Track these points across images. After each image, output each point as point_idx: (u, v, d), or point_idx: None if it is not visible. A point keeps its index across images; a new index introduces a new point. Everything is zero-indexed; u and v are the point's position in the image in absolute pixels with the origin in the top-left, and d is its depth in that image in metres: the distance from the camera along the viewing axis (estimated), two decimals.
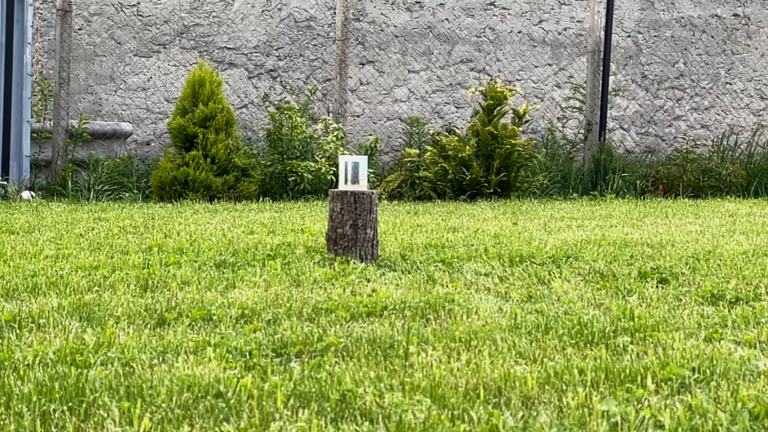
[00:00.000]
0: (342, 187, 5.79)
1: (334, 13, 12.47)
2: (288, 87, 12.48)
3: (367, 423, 2.99)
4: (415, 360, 3.64)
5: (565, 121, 13.14)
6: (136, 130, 12.07)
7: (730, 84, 14.38)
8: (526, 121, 11.73)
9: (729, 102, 14.39)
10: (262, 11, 12.59)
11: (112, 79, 12.09)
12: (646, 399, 3.21)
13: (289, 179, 10.68)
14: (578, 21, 13.71)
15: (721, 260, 5.87)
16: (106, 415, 3.04)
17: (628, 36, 13.96)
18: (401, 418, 3.01)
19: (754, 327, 4.22)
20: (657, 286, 5.11)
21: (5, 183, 10.30)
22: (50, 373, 3.41)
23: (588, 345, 3.89)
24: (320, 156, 10.94)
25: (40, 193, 10.55)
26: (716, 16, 14.31)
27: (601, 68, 12.51)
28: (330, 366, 3.56)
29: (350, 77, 12.55)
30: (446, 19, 13.24)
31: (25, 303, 4.54)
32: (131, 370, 3.51)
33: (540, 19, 13.61)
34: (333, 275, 5.21)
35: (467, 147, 10.90)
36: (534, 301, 4.75)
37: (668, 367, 3.49)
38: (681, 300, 4.79)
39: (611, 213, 9.26)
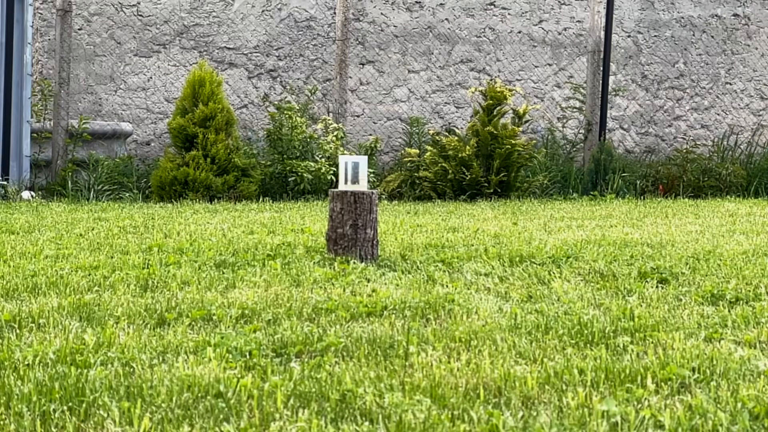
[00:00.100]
0: (342, 187, 5.79)
1: (334, 13, 12.47)
2: (288, 87, 12.48)
3: (367, 423, 2.99)
4: (415, 360, 3.64)
5: (565, 121, 13.14)
6: (136, 130, 12.07)
7: (730, 84, 14.38)
8: (526, 121, 11.73)
9: (729, 102, 14.39)
10: (262, 11, 12.59)
11: (112, 79, 12.09)
12: (646, 399, 3.21)
13: (289, 179, 10.68)
14: (578, 21, 13.71)
15: (721, 260, 5.87)
16: (106, 415, 3.04)
17: (628, 36, 13.96)
18: (401, 418, 3.01)
19: (754, 327, 4.22)
20: (657, 286, 5.11)
21: (5, 183, 10.30)
22: (50, 373, 3.41)
23: (588, 345, 3.89)
24: (320, 156, 10.94)
25: (40, 193, 10.55)
26: (716, 16, 14.31)
27: (601, 68, 12.51)
28: (330, 366, 3.56)
29: (350, 77, 12.56)
30: (446, 19, 13.24)
31: (25, 303, 4.54)
32: (131, 370, 3.51)
33: (540, 19, 13.61)
34: (333, 275, 5.21)
35: (467, 147, 10.90)
36: (534, 301, 4.75)
37: (668, 367, 3.49)
38: (681, 300, 4.79)
39: (611, 213, 9.26)
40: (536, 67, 13.61)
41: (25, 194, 10.20)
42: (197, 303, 4.52)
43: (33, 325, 4.14)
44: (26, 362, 3.56)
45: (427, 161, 11.04)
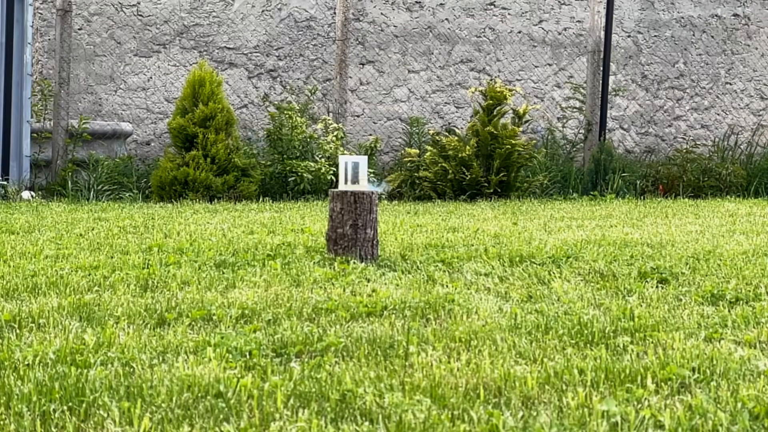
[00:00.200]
0: (342, 187, 5.79)
1: (334, 13, 12.47)
2: (288, 87, 12.48)
3: (367, 423, 2.99)
4: (415, 360, 3.64)
5: (565, 121, 13.13)
6: (136, 130, 12.07)
7: (730, 84, 14.38)
8: (526, 121, 11.73)
9: (729, 102, 14.39)
10: (262, 11, 12.59)
11: (112, 79, 12.09)
12: (646, 399, 3.21)
13: (289, 179, 10.68)
14: (578, 21, 13.71)
15: (721, 260, 5.87)
16: (106, 415, 3.04)
17: (628, 36, 13.96)
18: (401, 418, 3.01)
19: (754, 327, 4.22)
20: (657, 286, 5.11)
21: (5, 183, 10.30)
22: (50, 373, 3.41)
23: (588, 345, 3.89)
24: (320, 156, 10.94)
25: (40, 193, 10.55)
26: (716, 16, 14.31)
27: (601, 68, 12.51)
28: (330, 366, 3.56)
29: (350, 77, 12.56)
30: (446, 19, 13.24)
31: (25, 303, 4.54)
32: (131, 370, 3.51)
33: (540, 19, 13.61)
34: (333, 275, 5.21)
35: (467, 147, 10.90)
36: (534, 301, 4.75)
37: (668, 367, 3.49)
38: (681, 300, 4.79)
39: (611, 213, 9.26)
40: (536, 67, 13.61)
41: (25, 194, 10.20)
42: (197, 303, 4.52)
43: (33, 325, 4.14)
44: (26, 362, 3.56)
45: (427, 161, 11.04)
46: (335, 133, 11.13)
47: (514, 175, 11.05)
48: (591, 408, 3.11)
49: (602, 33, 12.54)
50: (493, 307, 4.55)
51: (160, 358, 3.66)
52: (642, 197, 11.66)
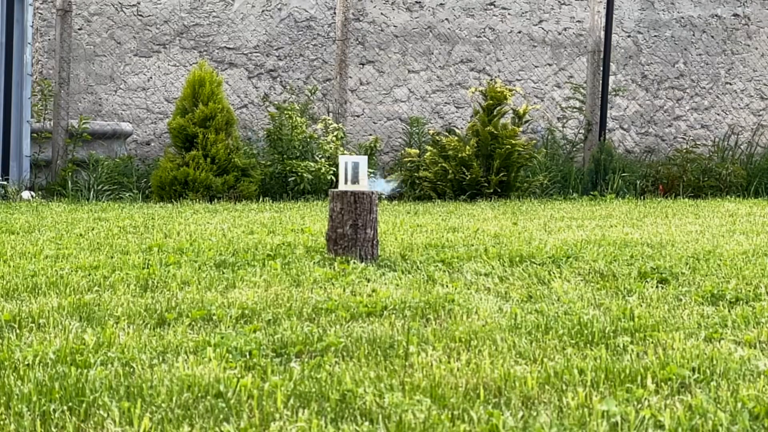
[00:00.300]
0: (342, 187, 5.79)
1: (334, 13, 12.47)
2: (288, 87, 12.48)
3: (367, 423, 2.99)
4: (415, 360, 3.64)
5: (565, 121, 13.14)
6: (136, 130, 12.07)
7: (730, 84, 14.38)
8: (526, 121, 11.73)
9: (729, 102, 14.39)
10: (262, 11, 12.59)
11: (112, 79, 12.09)
12: (646, 399, 3.21)
13: (289, 179, 10.68)
14: (578, 21, 13.71)
15: (721, 260, 5.87)
16: (106, 415, 3.04)
17: (628, 36, 13.96)
18: (401, 418, 3.01)
19: (754, 327, 4.22)
20: (657, 286, 5.11)
21: (5, 183, 10.30)
22: (50, 373, 3.41)
23: (588, 345, 3.89)
24: (320, 156, 10.94)
25: (40, 193, 10.55)
26: (716, 16, 14.31)
27: (601, 68, 12.51)
28: (330, 366, 3.56)
29: (350, 77, 12.56)
30: (446, 19, 13.24)
31: (25, 303, 4.54)
32: (131, 370, 3.51)
33: (540, 19, 13.61)
34: (333, 275, 5.21)
35: (467, 147, 10.90)
36: (534, 301, 4.75)
37: (668, 367, 3.49)
38: (681, 300, 4.79)
39: (611, 213, 9.26)
40: (536, 67, 13.61)
41: (25, 194, 10.20)
42: (197, 303, 4.52)
43: (33, 325, 4.14)
44: (26, 362, 3.56)
45: (427, 161, 11.04)
46: (335, 133, 11.13)
47: (514, 175, 11.05)
48: (591, 408, 3.11)
49: (602, 33, 12.54)
50: (493, 307, 4.55)
51: (160, 358, 3.66)
52: (642, 197, 11.66)
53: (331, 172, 10.69)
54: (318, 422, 2.98)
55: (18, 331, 4.05)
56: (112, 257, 5.82)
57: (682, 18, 14.17)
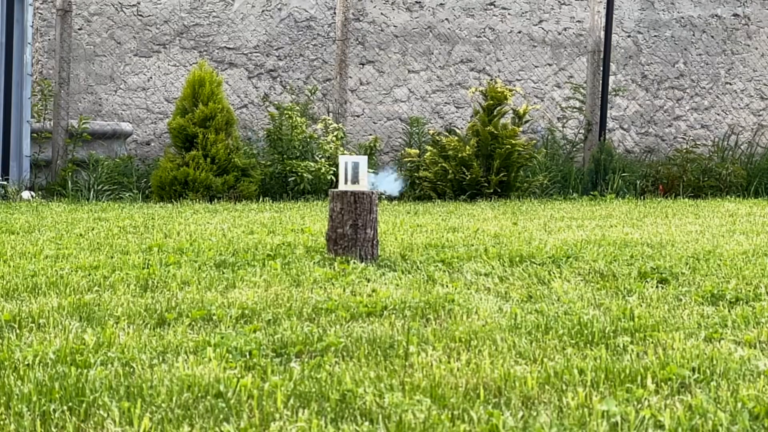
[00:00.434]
0: (342, 187, 5.79)
1: (334, 13, 12.47)
2: (288, 87, 12.48)
3: (367, 423, 2.99)
4: (415, 360, 3.63)
5: (565, 121, 13.14)
6: (136, 130, 12.07)
7: (730, 84, 14.39)
8: (526, 121, 11.73)
9: (729, 102, 14.39)
10: (262, 11, 12.59)
11: (112, 79, 12.09)
12: (646, 399, 3.21)
13: (289, 179, 10.68)
14: (578, 21, 13.71)
15: (721, 260, 5.87)
16: (106, 415, 3.04)
17: (628, 36, 13.96)
18: (401, 418, 3.01)
19: (754, 327, 4.22)
20: (657, 286, 5.11)
21: (5, 183, 10.30)
22: (50, 373, 3.41)
23: (588, 345, 3.89)
24: (320, 156, 10.94)
25: (40, 193, 10.55)
26: (716, 16, 14.31)
27: (601, 68, 12.51)
28: (330, 366, 3.56)
29: (350, 77, 12.56)
30: (446, 19, 13.24)
31: (25, 303, 4.54)
32: (131, 370, 3.51)
33: (540, 19, 13.61)
34: (333, 275, 5.21)
35: (467, 147, 10.90)
36: (534, 301, 4.75)
37: (668, 367, 3.49)
38: (681, 300, 4.79)
39: (611, 213, 9.26)
40: (536, 67, 13.61)
41: (25, 194, 10.20)
42: (197, 303, 4.52)
43: (33, 325, 4.14)
44: (26, 362, 3.56)
45: (427, 161, 11.05)
46: (335, 133, 11.13)
47: (514, 175, 11.05)
48: (591, 408, 3.11)
49: (602, 33, 12.54)
50: (493, 307, 4.55)
51: (160, 358, 3.66)
52: (642, 197, 11.66)
53: (331, 172, 10.70)
54: (318, 422, 2.98)
55: (18, 331, 4.05)
56: (112, 257, 5.82)
57: (682, 18, 14.17)
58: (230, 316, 4.28)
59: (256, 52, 12.55)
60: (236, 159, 10.43)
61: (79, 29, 11.90)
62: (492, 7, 13.42)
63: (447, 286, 5.06)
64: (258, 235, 6.87)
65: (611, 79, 13.48)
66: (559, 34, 13.68)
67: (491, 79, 12.73)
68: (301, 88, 12.47)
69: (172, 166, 10.30)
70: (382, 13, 12.99)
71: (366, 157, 5.95)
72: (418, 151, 11.41)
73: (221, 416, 3.05)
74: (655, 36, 14.07)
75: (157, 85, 12.22)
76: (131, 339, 3.90)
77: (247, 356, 3.67)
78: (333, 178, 10.66)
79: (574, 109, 12.90)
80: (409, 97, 13.10)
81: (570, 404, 3.14)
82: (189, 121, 10.44)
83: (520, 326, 4.15)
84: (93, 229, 7.18)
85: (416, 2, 13.12)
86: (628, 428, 2.96)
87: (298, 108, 11.18)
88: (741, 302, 4.75)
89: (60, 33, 10.97)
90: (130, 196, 10.38)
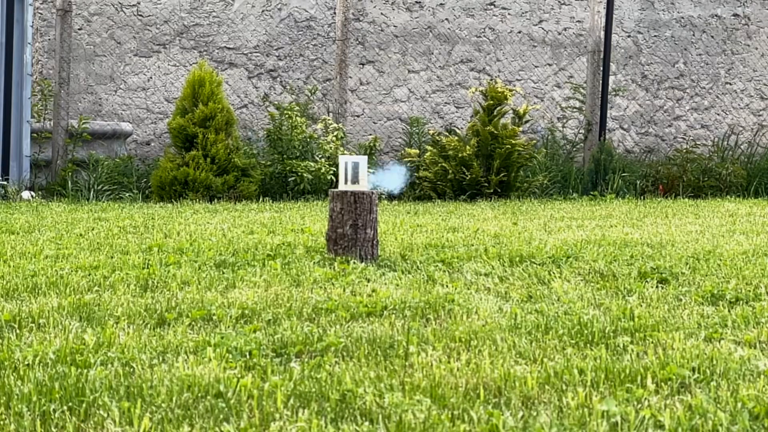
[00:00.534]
0: (342, 187, 5.80)
1: (334, 13, 12.47)
2: (288, 87, 12.48)
3: (367, 423, 2.99)
4: (415, 360, 3.64)
5: (565, 121, 13.14)
6: (136, 130, 12.07)
7: (730, 84, 14.39)
8: (526, 121, 11.73)
9: (729, 102, 14.39)
10: (262, 11, 12.59)
11: (112, 79, 12.09)
12: (646, 399, 3.21)
13: (289, 179, 10.68)
14: (578, 21, 13.71)
15: (721, 260, 5.87)
16: (106, 415, 3.04)
17: (628, 36, 13.96)
18: (401, 418, 3.01)
19: (754, 327, 4.22)
20: (657, 286, 5.11)
21: (5, 183, 10.30)
22: (50, 373, 3.41)
23: (588, 345, 3.89)
24: (320, 156, 10.94)
25: (40, 193, 10.55)
26: (716, 16, 14.31)
27: (601, 68, 12.51)
28: (330, 366, 3.56)
29: (350, 77, 12.56)
30: (446, 19, 13.24)
31: (25, 303, 4.54)
32: (131, 370, 3.51)
33: (540, 19, 13.61)
34: (333, 275, 5.21)
35: (467, 147, 10.90)
36: (534, 301, 4.75)
37: (668, 367, 3.49)
38: (681, 300, 4.79)
39: (611, 213, 9.27)
40: (536, 67, 13.61)
41: (25, 194, 10.20)
42: (197, 303, 4.52)
43: (33, 325, 4.14)
44: (26, 362, 3.56)
45: (427, 161, 11.05)
46: (335, 133, 11.13)
47: (514, 175, 11.05)
48: (591, 408, 3.11)
49: (602, 33, 12.54)
50: (493, 307, 4.55)
51: (160, 358, 3.66)
52: (642, 197, 11.66)
53: (331, 172, 10.70)
54: (318, 422, 2.98)
55: (18, 331, 4.05)
56: (112, 257, 5.82)
57: (682, 18, 14.17)
58: (230, 316, 4.28)
59: (256, 52, 12.55)
60: (236, 159, 10.43)
61: (79, 29, 11.90)
62: (492, 7, 13.42)
63: (447, 286, 5.06)
64: (258, 235, 6.87)
65: (611, 79, 13.48)
66: (559, 34, 13.68)
67: (491, 79, 12.73)
68: (301, 88, 12.47)
69: (172, 166, 10.30)
70: (382, 13, 12.99)
71: (366, 157, 5.95)
72: (418, 151, 11.42)
73: (221, 416, 3.05)
74: (655, 36, 14.07)
75: (157, 85, 12.22)
76: (131, 339, 3.90)
77: (247, 356, 3.67)
78: (333, 178, 10.66)
79: (574, 109, 12.90)
80: (409, 97, 13.10)
81: (570, 404, 3.14)
82: (189, 121, 10.44)
83: (520, 326, 4.15)
84: (93, 229, 7.18)
85: (416, 2, 13.12)
86: (628, 428, 2.96)
87: (298, 108, 11.18)
88: (741, 302, 4.75)
89: (60, 33, 10.97)
90: (130, 196, 10.38)
